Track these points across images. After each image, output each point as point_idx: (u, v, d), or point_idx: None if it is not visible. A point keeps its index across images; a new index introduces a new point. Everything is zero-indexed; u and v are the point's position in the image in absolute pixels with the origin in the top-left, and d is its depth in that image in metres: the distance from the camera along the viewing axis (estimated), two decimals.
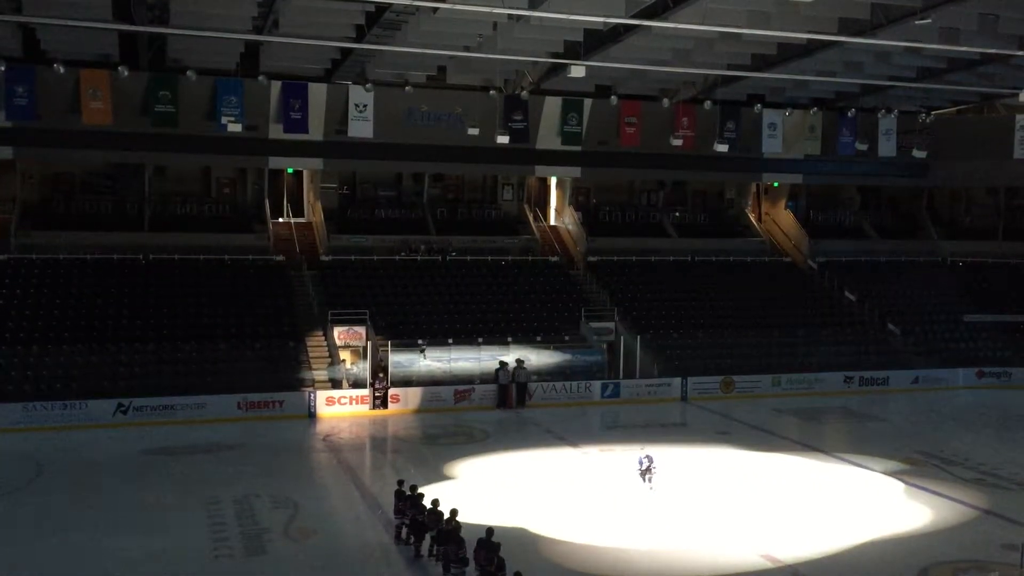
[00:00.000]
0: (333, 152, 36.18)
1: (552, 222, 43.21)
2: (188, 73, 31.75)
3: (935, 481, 22.45)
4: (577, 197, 42.89)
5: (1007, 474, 23.11)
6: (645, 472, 21.10)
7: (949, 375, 35.68)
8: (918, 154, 39.79)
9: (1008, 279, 40.77)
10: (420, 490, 17.77)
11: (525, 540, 17.77)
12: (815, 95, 39.22)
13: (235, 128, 32.47)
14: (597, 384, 32.27)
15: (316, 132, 34.95)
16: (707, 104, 37.04)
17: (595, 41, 28.77)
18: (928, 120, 41.74)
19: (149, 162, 36.52)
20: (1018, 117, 40.71)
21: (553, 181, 43.22)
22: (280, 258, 36.37)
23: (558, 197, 43.53)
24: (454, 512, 16.30)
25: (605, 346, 33.75)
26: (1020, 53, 28.55)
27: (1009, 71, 32.58)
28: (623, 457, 23.20)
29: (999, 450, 25.75)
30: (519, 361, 31.40)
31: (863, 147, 39.83)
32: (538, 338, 33.54)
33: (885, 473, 23.19)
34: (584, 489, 21.66)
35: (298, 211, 40.09)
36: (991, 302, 39.34)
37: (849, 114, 40.09)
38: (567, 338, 34.11)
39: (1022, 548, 14.37)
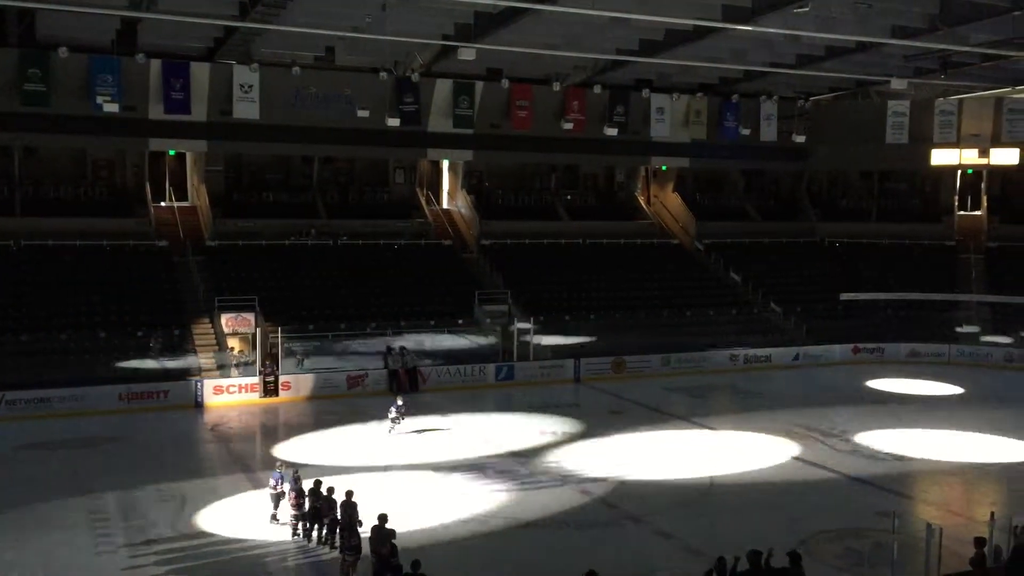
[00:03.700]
0: (218, 134, 35.16)
1: (445, 206, 43.06)
2: (60, 50, 30.39)
3: (815, 453, 23.42)
4: (470, 180, 42.84)
5: (880, 445, 24.28)
6: (395, 419, 24.65)
7: (827, 352, 37.22)
8: (797, 139, 41.33)
9: (881, 259, 42.70)
10: (316, 477, 17.59)
11: (420, 524, 17.73)
12: (701, 80, 40.22)
13: (111, 108, 31.31)
14: (491, 367, 32.38)
15: (199, 113, 33.96)
16: (596, 88, 37.50)
17: (486, 24, 28.72)
18: (806, 106, 43.34)
19: (19, 143, 34.74)
20: (890, 103, 42.80)
21: (445, 164, 43.06)
22: (163, 243, 35.19)
23: (450, 180, 43.38)
24: (349, 493, 16.18)
25: (499, 329, 33.88)
26: (892, 42, 29.86)
27: (882, 59, 34.08)
28: (520, 436, 23.37)
29: (873, 423, 26.98)
30: (402, 348, 31.23)
31: (746, 132, 41.18)
32: (432, 322, 33.45)
33: (768, 446, 24.05)
34: (477, 470, 21.74)
35: (181, 195, 38.77)
36: (865, 281, 41.18)
37: (733, 99, 41.29)
38: (461, 322, 34.11)
39: (893, 515, 15.11)
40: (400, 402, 25.35)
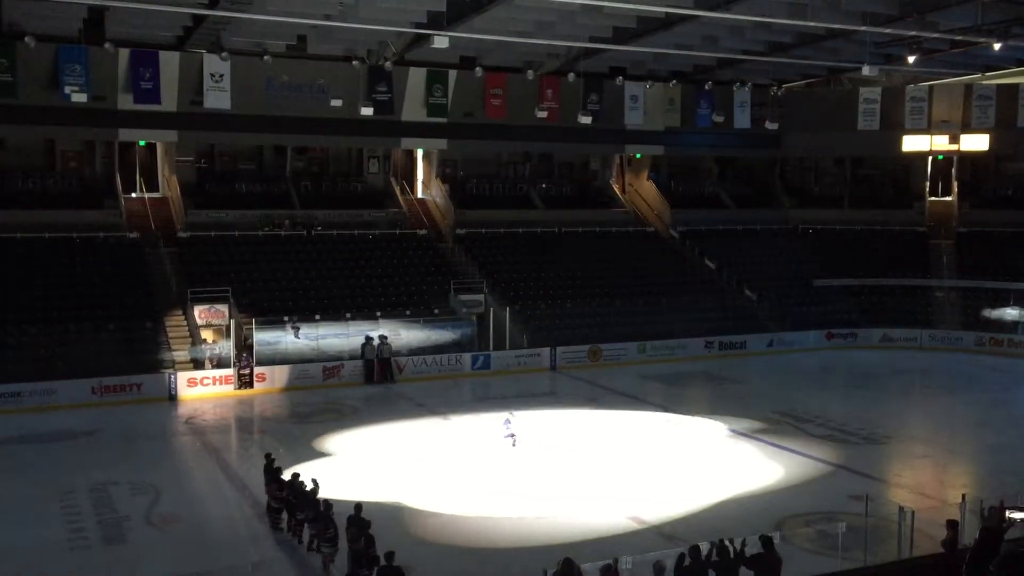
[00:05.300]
0: (188, 124, 34.77)
1: (419, 195, 42.87)
2: (27, 39, 29.91)
3: (789, 438, 23.62)
4: (444, 169, 42.67)
5: (854, 429, 24.53)
6: (510, 435, 22.10)
7: (801, 337, 37.47)
8: (770, 126, 41.47)
9: (853, 245, 42.98)
10: (293, 470, 17.53)
11: (396, 514, 17.73)
12: (674, 68, 40.22)
13: (80, 98, 30.84)
14: (467, 356, 32.36)
15: (169, 103, 33.56)
16: (571, 76, 37.43)
17: (458, 11, 28.56)
18: (779, 93, 43.51)
19: None
20: (862, 90, 43.05)
21: (419, 153, 42.84)
22: (134, 235, 34.77)
23: (425, 170, 43.19)
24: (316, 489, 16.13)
25: (475, 318, 33.84)
26: (863, 28, 30.00)
27: (853, 46, 34.21)
28: (491, 427, 23.38)
29: (846, 407, 27.26)
30: (382, 337, 31.14)
31: (719, 119, 41.24)
32: (407, 312, 33.34)
33: (744, 432, 24.22)
34: (454, 460, 21.76)
35: (152, 186, 38.33)
36: (838, 267, 41.46)
37: (706, 87, 41.36)
38: (437, 311, 34.02)
39: (866, 498, 15.26)
40: (510, 416, 22.64)
